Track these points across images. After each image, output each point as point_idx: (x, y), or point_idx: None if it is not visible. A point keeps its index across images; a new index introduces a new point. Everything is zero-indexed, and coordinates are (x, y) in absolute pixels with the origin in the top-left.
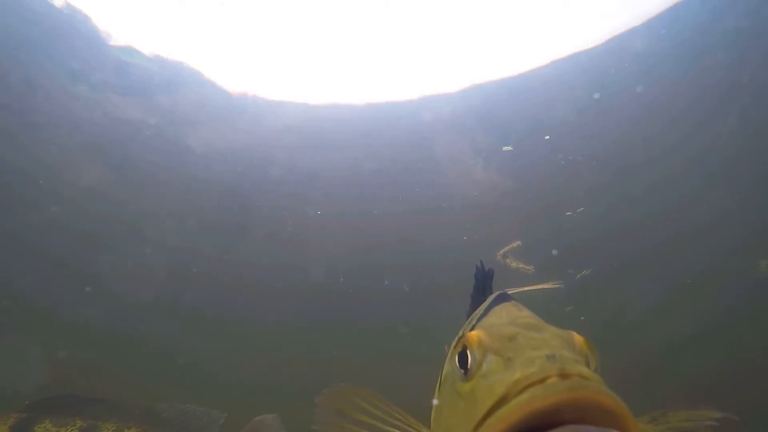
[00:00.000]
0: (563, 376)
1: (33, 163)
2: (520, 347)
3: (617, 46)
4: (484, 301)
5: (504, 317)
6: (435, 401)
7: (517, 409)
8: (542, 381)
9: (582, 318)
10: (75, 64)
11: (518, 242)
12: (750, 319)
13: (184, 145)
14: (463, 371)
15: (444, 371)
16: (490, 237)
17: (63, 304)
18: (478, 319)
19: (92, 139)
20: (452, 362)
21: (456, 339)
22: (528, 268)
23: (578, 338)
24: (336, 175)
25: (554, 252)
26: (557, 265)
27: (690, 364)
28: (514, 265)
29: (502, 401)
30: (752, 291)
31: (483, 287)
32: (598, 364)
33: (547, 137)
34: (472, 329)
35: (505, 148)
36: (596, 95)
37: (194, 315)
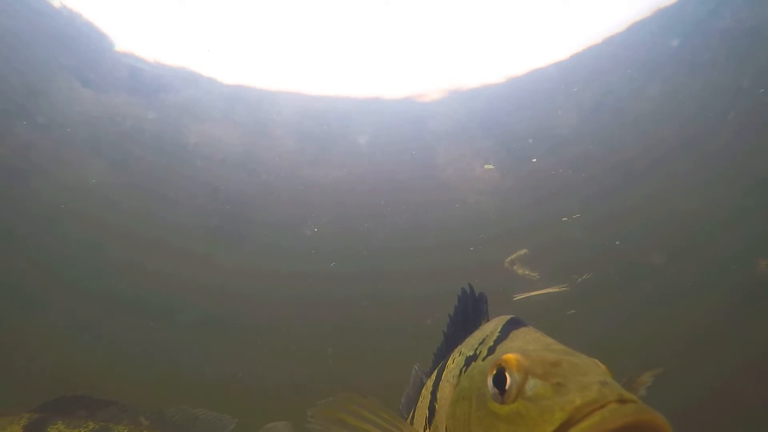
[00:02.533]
0: (621, 401)
1: (32, 162)
2: (567, 373)
3: (616, 47)
4: (477, 323)
5: (533, 342)
6: (440, 416)
7: (591, 430)
8: (604, 406)
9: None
10: (73, 63)
11: (525, 250)
12: (751, 320)
13: (183, 144)
14: (498, 392)
15: (457, 390)
16: (494, 243)
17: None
18: (496, 342)
19: (92, 139)
20: (482, 382)
21: (461, 358)
22: (533, 274)
23: (602, 365)
24: (337, 178)
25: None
26: (561, 270)
27: (692, 365)
28: (520, 271)
29: (567, 424)
30: (753, 291)
31: (475, 311)
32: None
33: (534, 160)
34: (489, 352)
35: (486, 167)
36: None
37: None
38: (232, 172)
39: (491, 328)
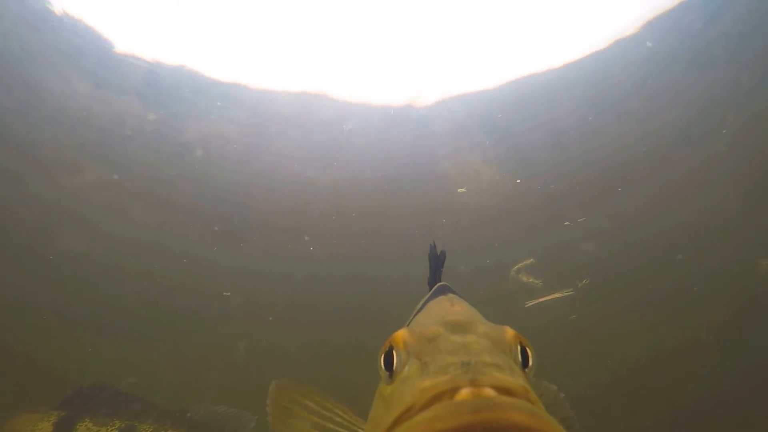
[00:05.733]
0: (475, 385)
1: (30, 164)
2: (437, 351)
3: (619, 49)
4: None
5: (435, 314)
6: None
7: (416, 429)
8: (452, 392)
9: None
10: (71, 64)
11: (531, 260)
12: (752, 321)
13: (182, 145)
14: (388, 374)
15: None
16: (495, 246)
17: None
18: (414, 315)
19: (89, 140)
20: (378, 363)
21: None
22: (537, 282)
23: (509, 335)
24: (337, 180)
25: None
26: (564, 274)
27: (692, 368)
28: (525, 279)
29: (407, 412)
30: (753, 292)
31: (434, 274)
32: (534, 361)
33: (519, 180)
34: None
35: (459, 190)
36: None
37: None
38: (232, 173)
39: (424, 299)
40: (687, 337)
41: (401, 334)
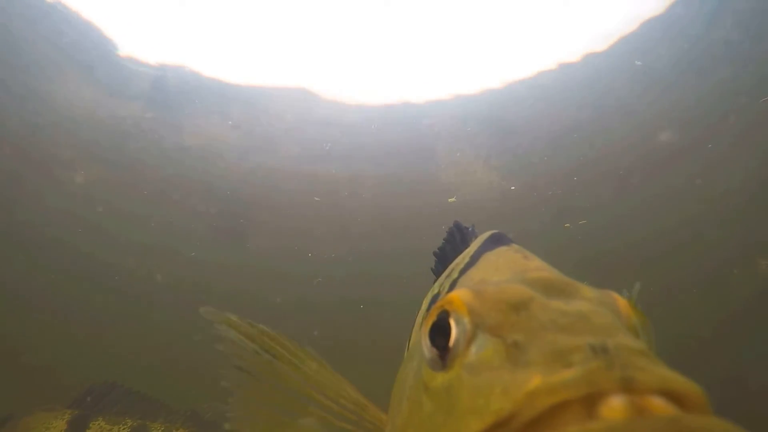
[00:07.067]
0: (629, 389)
1: (31, 163)
2: (536, 324)
3: (618, 51)
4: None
5: (504, 269)
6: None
7: None
8: (590, 399)
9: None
10: (72, 64)
11: None
12: (751, 321)
13: (181, 144)
14: (437, 353)
15: (410, 347)
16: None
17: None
18: (461, 272)
19: (90, 140)
20: (422, 337)
21: (427, 304)
22: None
23: (622, 304)
24: (337, 179)
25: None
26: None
27: (692, 371)
28: None
29: (499, 428)
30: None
31: (462, 240)
32: (653, 343)
33: (513, 187)
34: (451, 288)
35: (450, 200)
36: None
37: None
38: (232, 173)
39: (469, 251)
40: (686, 338)
41: (464, 295)
